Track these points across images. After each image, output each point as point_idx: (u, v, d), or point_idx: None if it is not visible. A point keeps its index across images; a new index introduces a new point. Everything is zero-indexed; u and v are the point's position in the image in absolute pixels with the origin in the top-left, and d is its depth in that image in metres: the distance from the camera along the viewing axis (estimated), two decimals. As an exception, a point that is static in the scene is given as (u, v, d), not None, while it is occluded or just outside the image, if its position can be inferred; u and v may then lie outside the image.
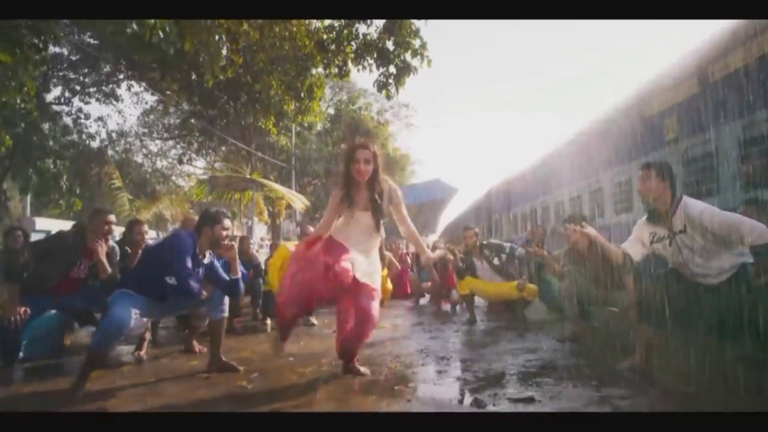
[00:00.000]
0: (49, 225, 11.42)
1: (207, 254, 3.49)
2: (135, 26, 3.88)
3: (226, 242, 3.50)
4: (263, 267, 6.37)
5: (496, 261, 5.83)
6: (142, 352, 3.94)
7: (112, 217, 3.86)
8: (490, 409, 2.47)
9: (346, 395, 2.80)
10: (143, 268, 3.46)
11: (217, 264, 3.57)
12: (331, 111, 23.24)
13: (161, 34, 4.30)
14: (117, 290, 3.21)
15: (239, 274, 3.66)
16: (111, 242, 4.01)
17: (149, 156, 24.57)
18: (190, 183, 26.18)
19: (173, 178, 25.65)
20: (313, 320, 5.60)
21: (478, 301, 6.26)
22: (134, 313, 3.01)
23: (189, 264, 3.28)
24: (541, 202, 10.60)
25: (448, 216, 27.95)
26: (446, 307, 6.86)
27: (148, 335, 4.08)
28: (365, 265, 3.10)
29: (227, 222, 3.51)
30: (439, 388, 2.93)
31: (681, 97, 5.25)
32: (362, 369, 3.26)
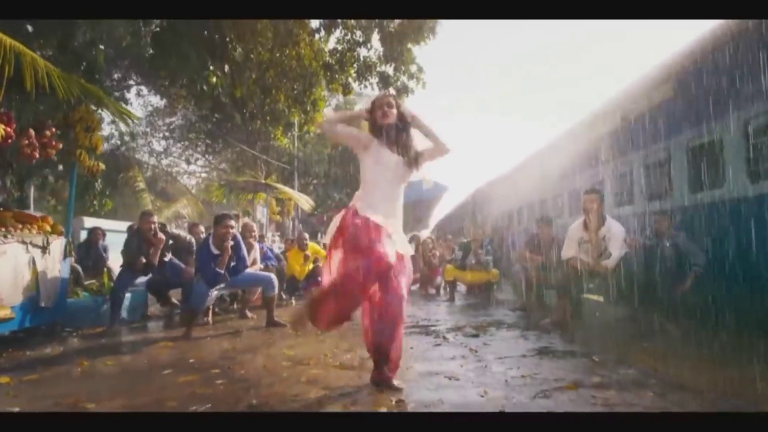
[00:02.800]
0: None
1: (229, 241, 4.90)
2: (204, 87, 5.24)
3: (226, 243, 4.87)
4: (283, 258, 7.99)
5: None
6: (209, 318, 5.51)
7: (233, 222, 4.98)
8: (449, 342, 4.10)
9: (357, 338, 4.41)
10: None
11: (242, 248, 5.12)
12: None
13: (221, 89, 5.83)
14: (202, 269, 4.81)
15: (241, 262, 5.09)
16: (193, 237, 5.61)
17: (154, 155, 26.05)
18: (192, 182, 27.74)
19: (177, 177, 27.09)
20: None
21: (459, 287, 7.94)
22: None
23: (206, 256, 4.86)
24: (516, 204, 12.19)
25: (439, 212, 29.65)
26: (431, 291, 8.48)
27: (210, 306, 5.63)
28: (399, 240, 2.81)
29: (230, 222, 4.93)
30: (420, 334, 4.54)
31: (608, 128, 6.90)
32: (396, 383, 2.75)
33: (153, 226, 5.28)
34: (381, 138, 2.89)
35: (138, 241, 5.25)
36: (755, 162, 4.35)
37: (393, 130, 2.90)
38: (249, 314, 5.72)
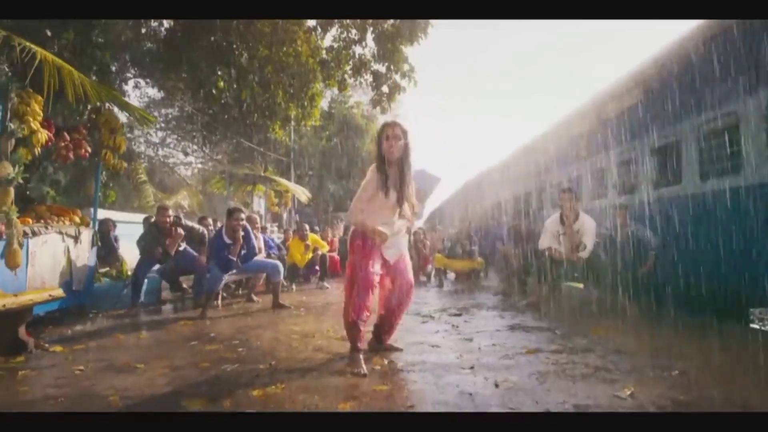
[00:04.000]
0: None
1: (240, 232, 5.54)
2: (214, 91, 5.71)
3: (237, 234, 5.51)
4: (283, 248, 8.54)
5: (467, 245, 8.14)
6: (218, 302, 6.05)
7: (243, 215, 5.65)
8: (435, 320, 4.68)
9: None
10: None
11: (252, 238, 5.73)
12: (324, 107, 25.13)
13: (228, 94, 6.34)
14: (216, 256, 5.39)
15: (251, 250, 5.72)
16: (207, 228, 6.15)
17: (151, 146, 26.40)
18: (188, 172, 28.14)
19: (175, 168, 27.47)
20: (326, 284, 7.79)
21: (449, 274, 8.55)
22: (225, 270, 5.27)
23: (219, 245, 5.47)
24: (504, 196, 12.78)
25: (432, 203, 30.22)
26: (422, 278, 9.07)
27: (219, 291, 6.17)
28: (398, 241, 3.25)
29: (242, 215, 5.60)
30: (411, 314, 5.11)
31: (585, 128, 7.47)
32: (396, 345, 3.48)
33: (169, 219, 5.81)
34: (386, 184, 3.07)
35: (155, 233, 5.78)
36: (705, 163, 4.94)
37: (396, 168, 3.11)
38: (255, 298, 6.27)
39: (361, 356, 3.03)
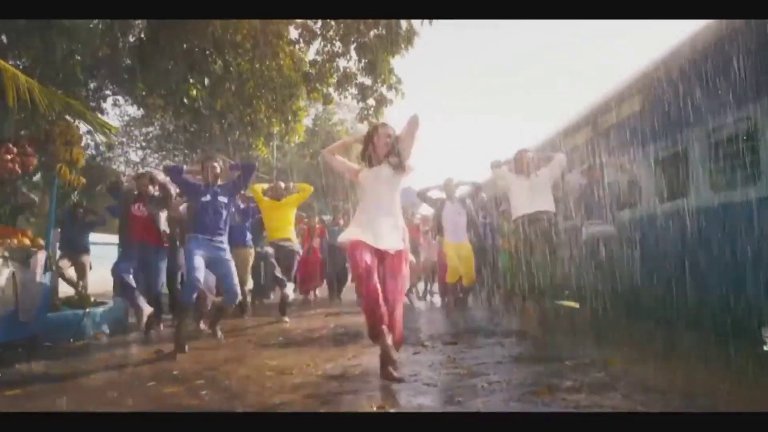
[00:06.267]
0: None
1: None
2: (185, 100, 5.32)
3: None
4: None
5: None
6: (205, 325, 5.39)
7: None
8: (426, 350, 4.21)
9: (336, 348, 4.50)
10: None
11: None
12: (309, 123, 24.74)
13: (201, 102, 5.89)
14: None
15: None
16: None
17: (131, 165, 25.74)
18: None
19: (157, 187, 26.75)
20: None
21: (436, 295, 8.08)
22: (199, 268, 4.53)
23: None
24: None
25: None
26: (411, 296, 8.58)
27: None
28: (386, 230, 3.26)
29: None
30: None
31: (581, 139, 7.13)
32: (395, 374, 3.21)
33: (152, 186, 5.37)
34: (373, 161, 3.40)
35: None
36: (717, 173, 4.56)
37: (383, 155, 3.39)
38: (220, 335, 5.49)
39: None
